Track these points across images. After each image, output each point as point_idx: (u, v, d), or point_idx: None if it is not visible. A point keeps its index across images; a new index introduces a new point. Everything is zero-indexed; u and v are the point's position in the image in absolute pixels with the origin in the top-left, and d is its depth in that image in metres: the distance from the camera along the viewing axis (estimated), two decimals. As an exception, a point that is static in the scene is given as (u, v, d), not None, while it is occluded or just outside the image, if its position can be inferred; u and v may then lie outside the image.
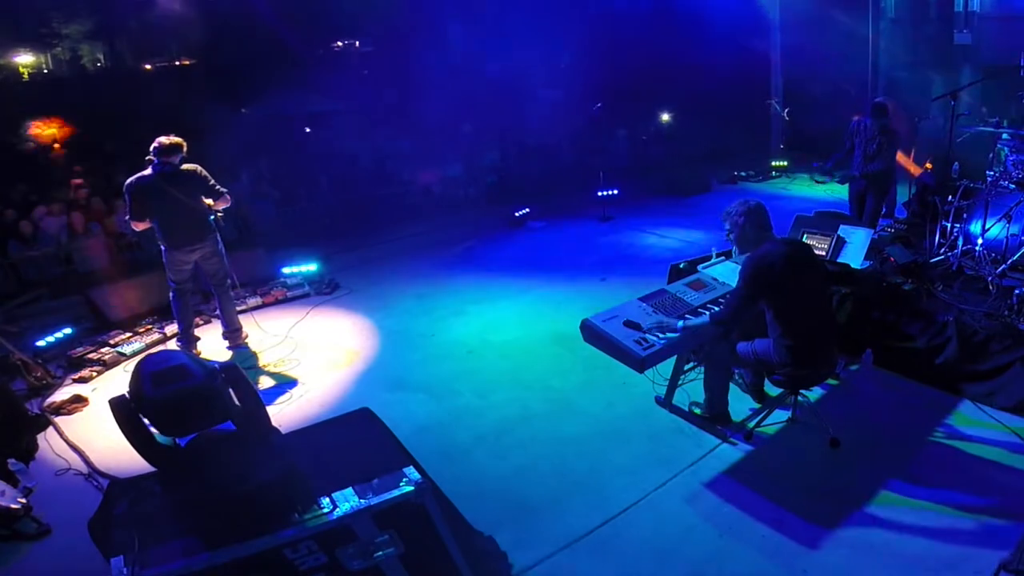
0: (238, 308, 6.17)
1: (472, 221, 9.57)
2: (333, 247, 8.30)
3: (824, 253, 4.81)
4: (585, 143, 12.22)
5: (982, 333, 4.39)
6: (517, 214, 9.37)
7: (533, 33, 11.15)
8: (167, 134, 5.23)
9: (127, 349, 5.90)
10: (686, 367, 4.43)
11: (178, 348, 5.64)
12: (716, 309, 3.84)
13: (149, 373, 2.36)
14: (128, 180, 5.19)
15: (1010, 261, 5.20)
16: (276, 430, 2.79)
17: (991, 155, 6.33)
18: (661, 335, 3.71)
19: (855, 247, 4.79)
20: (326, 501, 2.41)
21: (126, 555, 2.19)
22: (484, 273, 7.53)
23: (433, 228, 9.41)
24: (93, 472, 4.20)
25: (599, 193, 9.49)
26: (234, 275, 5.85)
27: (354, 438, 3.11)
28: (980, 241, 5.42)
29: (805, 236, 4.90)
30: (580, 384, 4.89)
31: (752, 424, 4.12)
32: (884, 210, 7.04)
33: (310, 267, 7.41)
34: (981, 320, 4.54)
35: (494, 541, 3.28)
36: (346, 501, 2.41)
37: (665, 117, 13.32)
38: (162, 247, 5.43)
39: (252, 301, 6.84)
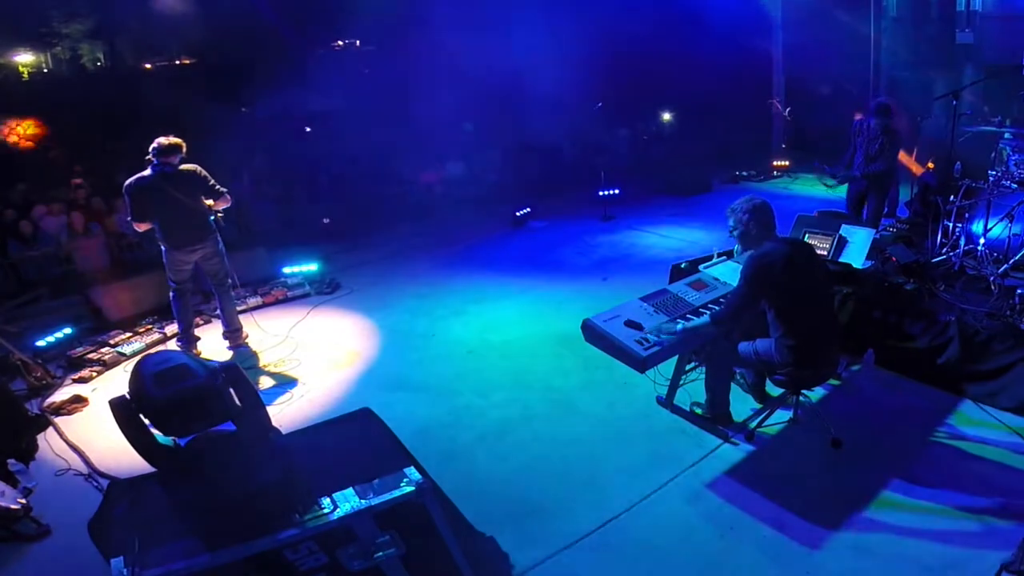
0: (238, 308, 6.16)
1: (473, 221, 9.56)
2: (333, 247, 8.31)
3: (826, 253, 4.80)
4: (586, 142, 12.21)
5: (984, 333, 4.37)
6: (518, 213, 9.36)
7: (534, 32, 11.12)
8: (166, 134, 5.22)
9: (127, 349, 5.90)
10: (687, 367, 4.42)
11: (178, 348, 5.64)
12: (717, 309, 3.83)
13: (150, 373, 2.34)
14: (128, 181, 5.18)
15: (1012, 261, 5.19)
16: (276, 430, 2.77)
17: (993, 155, 6.32)
18: (662, 335, 3.71)
19: (857, 247, 4.79)
20: (327, 501, 2.41)
21: (126, 556, 2.19)
22: (485, 273, 7.52)
23: (434, 227, 9.42)
24: (93, 472, 4.19)
25: (600, 192, 9.49)
26: (234, 275, 5.85)
27: (355, 438, 3.12)
28: (982, 241, 5.40)
29: (807, 236, 4.90)
30: (581, 384, 4.88)
31: (754, 424, 4.11)
32: (886, 210, 7.02)
33: (311, 267, 7.41)
34: (983, 320, 4.53)
35: (495, 541, 3.28)
36: (347, 501, 2.41)
37: (666, 116, 13.33)
38: (162, 247, 5.43)
39: (252, 301, 6.84)
